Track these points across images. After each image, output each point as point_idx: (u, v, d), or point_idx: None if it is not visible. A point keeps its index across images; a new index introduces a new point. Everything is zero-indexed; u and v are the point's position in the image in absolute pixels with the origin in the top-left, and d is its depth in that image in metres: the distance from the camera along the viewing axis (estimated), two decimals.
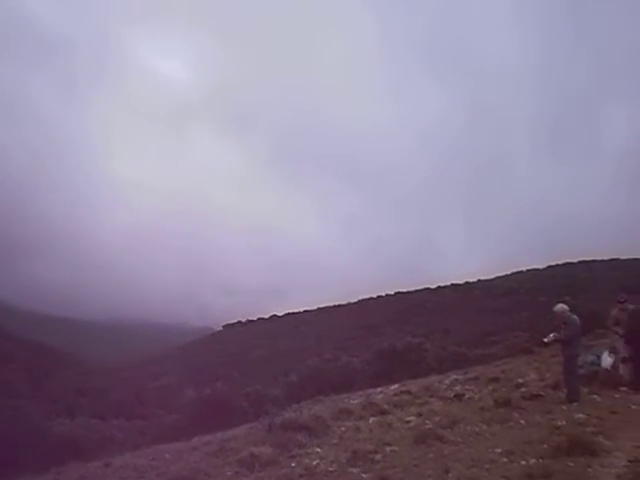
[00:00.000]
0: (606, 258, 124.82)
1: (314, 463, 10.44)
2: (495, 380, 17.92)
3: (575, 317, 14.06)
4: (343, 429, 13.39)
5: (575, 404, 12.89)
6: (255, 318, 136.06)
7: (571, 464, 8.31)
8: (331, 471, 9.77)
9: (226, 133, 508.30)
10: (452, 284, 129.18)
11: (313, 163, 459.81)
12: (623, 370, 15.28)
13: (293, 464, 10.61)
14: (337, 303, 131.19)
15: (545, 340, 14.50)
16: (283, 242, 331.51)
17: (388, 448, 10.70)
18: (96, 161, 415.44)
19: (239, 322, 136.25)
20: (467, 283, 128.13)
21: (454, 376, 21.30)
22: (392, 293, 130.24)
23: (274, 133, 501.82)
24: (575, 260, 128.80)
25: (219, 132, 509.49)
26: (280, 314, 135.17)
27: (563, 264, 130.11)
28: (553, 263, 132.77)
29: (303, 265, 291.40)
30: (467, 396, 15.76)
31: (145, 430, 33.92)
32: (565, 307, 14.11)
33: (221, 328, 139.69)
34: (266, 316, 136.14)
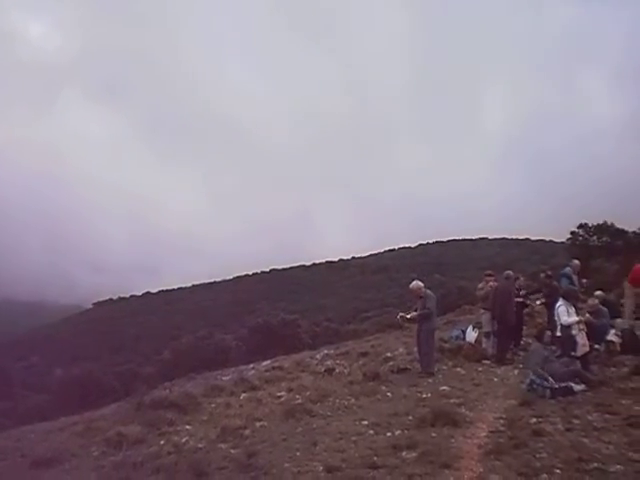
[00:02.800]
0: (475, 237, 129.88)
1: (183, 440, 10.27)
2: (365, 355, 18.23)
3: (430, 292, 14.47)
4: (213, 406, 13.24)
5: (433, 377, 13.33)
6: (127, 295, 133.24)
7: (434, 435, 8.53)
8: (200, 448, 9.63)
9: (99, 100, 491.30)
10: (327, 261, 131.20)
11: (189, 137, 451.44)
12: (486, 344, 15.87)
13: (162, 442, 10.37)
14: (212, 280, 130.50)
15: (407, 317, 14.86)
16: (157, 217, 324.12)
17: (258, 423, 10.66)
18: None
19: (110, 299, 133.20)
20: (341, 260, 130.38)
21: (326, 351, 21.53)
22: (267, 270, 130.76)
23: (150, 104, 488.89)
24: (445, 239, 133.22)
25: (91, 99, 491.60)
26: (154, 291, 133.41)
27: (434, 242, 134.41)
28: (424, 242, 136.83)
29: (178, 241, 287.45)
30: (337, 370, 15.91)
31: (11, 411, 32.61)
32: (420, 283, 14.49)
33: (91, 306, 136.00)
34: (139, 293, 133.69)
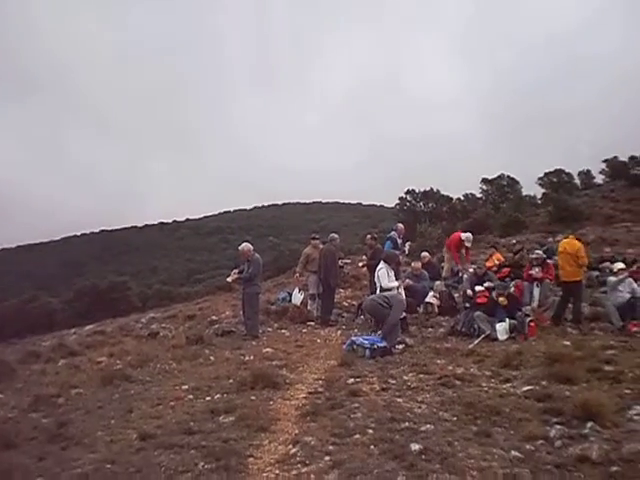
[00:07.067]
0: (309, 201, 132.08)
1: None
2: (192, 317, 18.07)
3: (258, 256, 14.46)
4: (28, 373, 12.61)
5: (257, 340, 13.41)
6: None
7: (253, 398, 8.49)
8: (10, 418, 9.12)
9: None
10: (160, 222, 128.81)
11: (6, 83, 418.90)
12: (311, 306, 16.11)
13: None
14: (39, 241, 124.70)
15: (228, 279, 14.83)
16: None
17: (73, 391, 10.26)
18: None
19: None
20: (175, 222, 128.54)
21: (152, 314, 21.14)
22: (97, 231, 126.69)
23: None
24: (280, 202, 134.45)
25: None
26: None
27: (269, 205, 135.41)
28: (259, 204, 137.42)
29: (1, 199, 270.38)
30: (162, 334, 15.62)
31: None
32: (250, 246, 14.47)
33: None
34: None
